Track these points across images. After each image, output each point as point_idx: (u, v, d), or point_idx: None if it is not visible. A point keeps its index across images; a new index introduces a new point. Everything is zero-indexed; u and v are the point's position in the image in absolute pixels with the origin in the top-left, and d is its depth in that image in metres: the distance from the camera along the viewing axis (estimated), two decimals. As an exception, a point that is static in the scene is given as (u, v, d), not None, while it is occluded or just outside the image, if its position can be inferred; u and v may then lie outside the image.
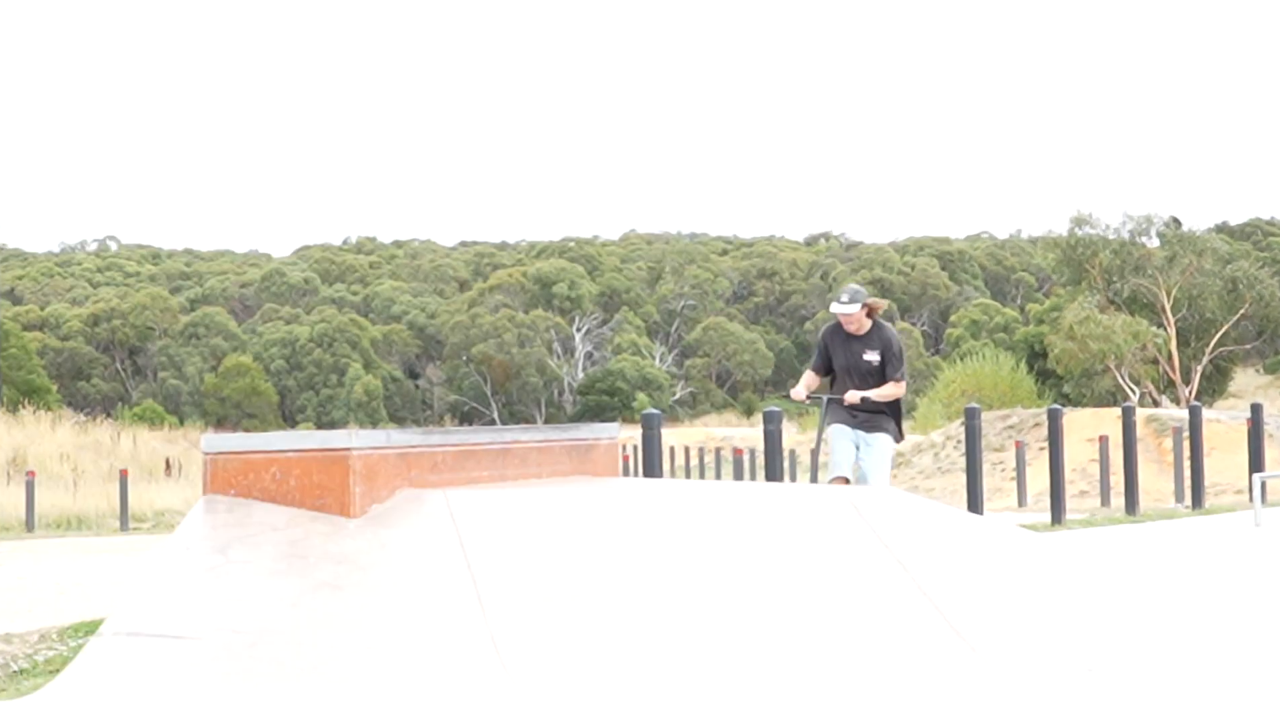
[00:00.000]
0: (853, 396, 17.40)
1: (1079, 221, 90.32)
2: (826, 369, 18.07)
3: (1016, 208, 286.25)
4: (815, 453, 18.93)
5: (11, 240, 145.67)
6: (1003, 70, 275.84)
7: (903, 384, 17.88)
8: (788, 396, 19.55)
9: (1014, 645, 11.97)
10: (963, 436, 35.34)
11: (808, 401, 18.28)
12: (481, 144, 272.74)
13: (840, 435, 17.67)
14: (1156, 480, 47.00)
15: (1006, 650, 11.85)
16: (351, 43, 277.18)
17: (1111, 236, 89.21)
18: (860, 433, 17.69)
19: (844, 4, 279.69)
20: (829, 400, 17.82)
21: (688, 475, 69.76)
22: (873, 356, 17.57)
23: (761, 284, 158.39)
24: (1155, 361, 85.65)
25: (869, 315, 17.66)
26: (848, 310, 17.42)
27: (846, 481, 17.10)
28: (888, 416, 17.95)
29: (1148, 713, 9.71)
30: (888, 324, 18.09)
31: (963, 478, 32.69)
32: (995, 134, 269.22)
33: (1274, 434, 51.49)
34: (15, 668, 12.24)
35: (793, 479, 58.64)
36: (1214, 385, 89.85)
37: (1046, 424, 31.85)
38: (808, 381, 18.00)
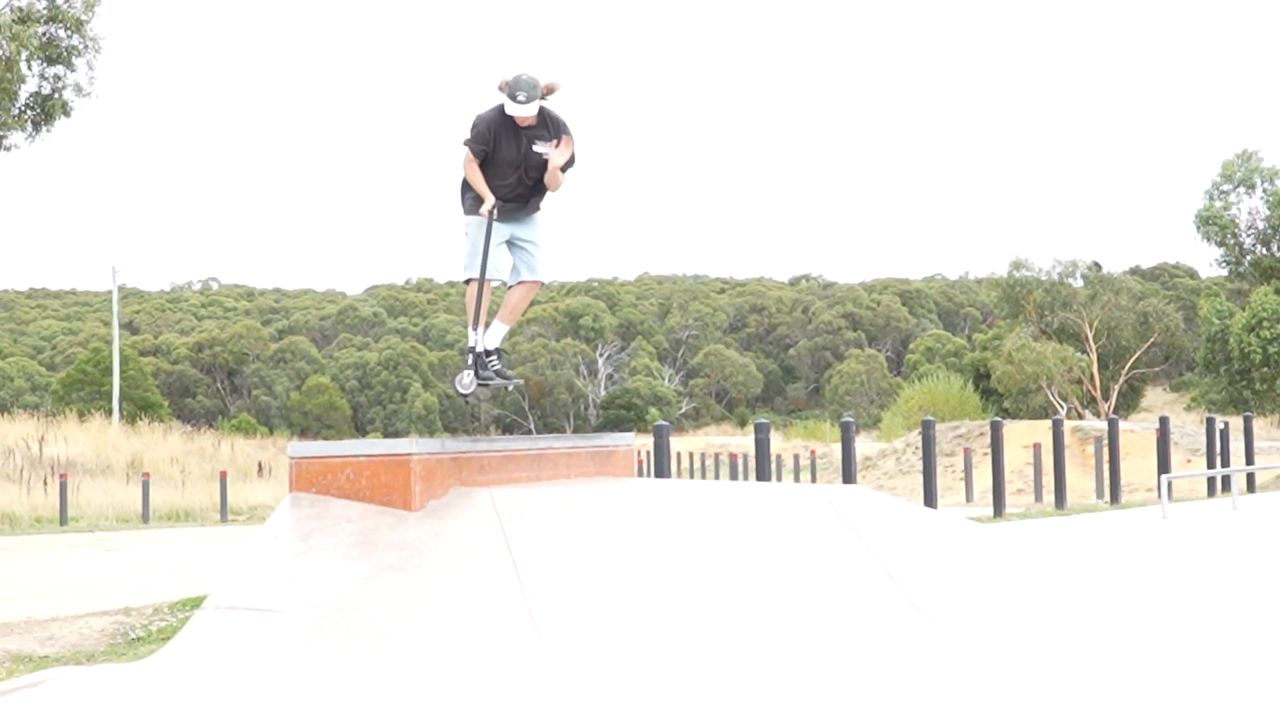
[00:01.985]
0: (556, 170, 13.36)
1: (1016, 265, 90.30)
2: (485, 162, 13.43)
3: (965, 253, 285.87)
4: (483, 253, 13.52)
5: (130, 281, 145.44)
6: (954, 141, 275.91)
7: (571, 143, 13.50)
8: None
9: (963, 617, 11.93)
10: (920, 444, 35.39)
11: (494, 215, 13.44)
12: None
13: (496, 231, 13.58)
14: (1081, 480, 46.90)
15: (957, 621, 11.82)
16: (404, 115, 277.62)
17: (1043, 278, 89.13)
18: (512, 225, 13.80)
19: (824, 87, 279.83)
20: (501, 204, 13.45)
21: (692, 476, 69.70)
22: (544, 149, 13.37)
23: (753, 317, 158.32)
24: (1080, 382, 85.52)
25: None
26: (527, 112, 13.08)
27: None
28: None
29: (1074, 669, 9.68)
30: (552, 112, 13.55)
31: (920, 478, 32.68)
32: (947, 192, 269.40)
33: (1179, 441, 51.40)
34: (134, 636, 12.21)
35: (779, 479, 58.54)
36: (1129, 401, 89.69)
37: (989, 434, 31.83)
38: (479, 173, 13.42)
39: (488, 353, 14.10)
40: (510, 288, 14.16)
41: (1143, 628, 11.91)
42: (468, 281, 13.82)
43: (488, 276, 13.62)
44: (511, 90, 13.09)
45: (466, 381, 13.71)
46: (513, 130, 13.36)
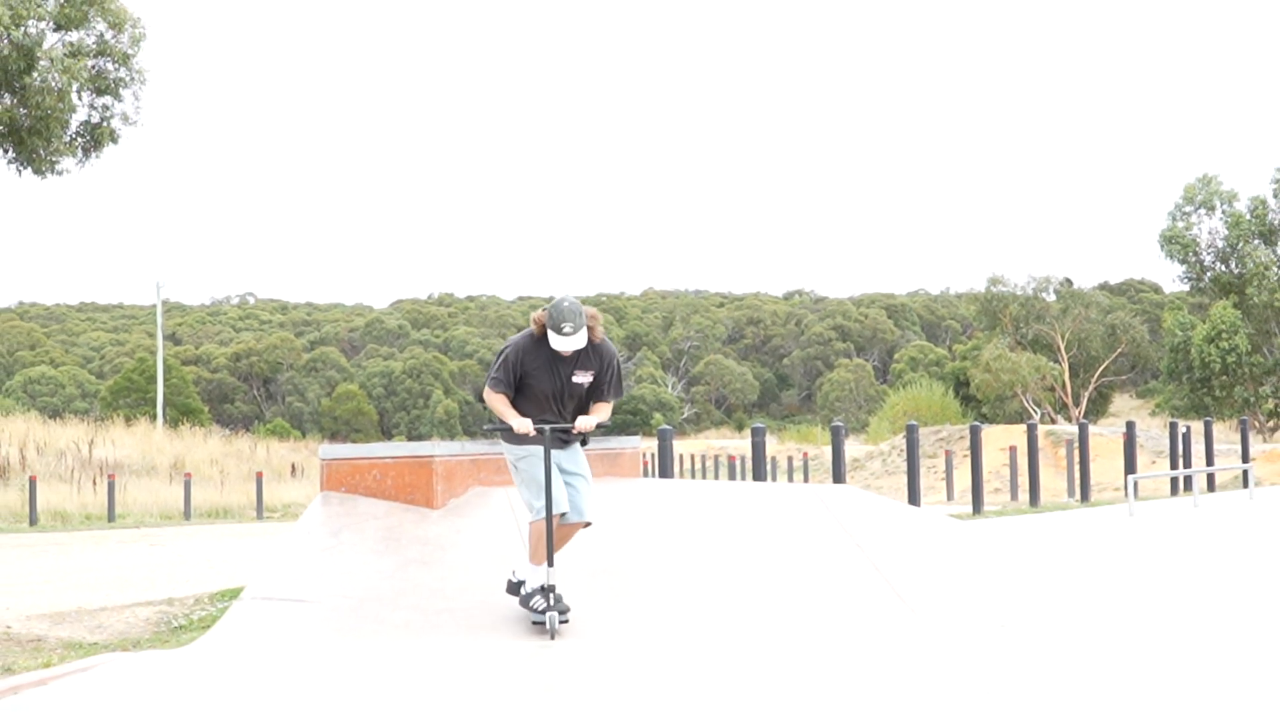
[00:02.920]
0: (586, 423, 11.46)
1: (994, 281, 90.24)
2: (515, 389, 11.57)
3: (946, 270, 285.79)
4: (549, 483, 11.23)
5: (173, 295, 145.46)
6: (936, 166, 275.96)
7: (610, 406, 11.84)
8: (549, 429, 11.38)
9: (945, 607, 11.93)
10: (904, 447, 35.32)
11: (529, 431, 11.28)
12: (534, 221, 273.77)
13: (539, 463, 11.37)
14: (1054, 480, 46.86)
15: (939, 611, 11.81)
16: (427, 142, 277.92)
17: (1019, 293, 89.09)
18: (565, 453, 11.66)
19: (817, 117, 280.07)
20: (553, 430, 11.39)
21: (693, 476, 69.65)
22: (583, 379, 11.51)
23: (749, 329, 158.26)
24: (1052, 389, 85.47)
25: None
26: (574, 345, 11.23)
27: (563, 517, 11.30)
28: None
29: (1048, 655, 9.68)
30: (603, 341, 11.67)
31: (904, 478, 32.63)
32: (930, 213, 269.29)
33: (1144, 444, 51.39)
34: (176, 624, 12.21)
35: (774, 479, 58.53)
36: (1098, 407, 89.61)
37: (969, 437, 31.78)
38: (508, 406, 11.50)
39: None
40: (566, 524, 11.38)
41: (1111, 616, 11.91)
42: (532, 521, 11.36)
43: (555, 512, 11.20)
44: (556, 321, 11.11)
45: (558, 623, 10.92)
46: (548, 359, 11.38)
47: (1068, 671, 9.13)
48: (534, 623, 11.08)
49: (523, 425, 11.22)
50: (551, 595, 10.99)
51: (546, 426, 11.35)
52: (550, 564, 11.01)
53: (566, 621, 11.07)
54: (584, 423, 11.50)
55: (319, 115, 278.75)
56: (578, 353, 11.34)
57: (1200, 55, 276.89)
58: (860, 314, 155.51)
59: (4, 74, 34.95)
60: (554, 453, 11.46)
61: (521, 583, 11.39)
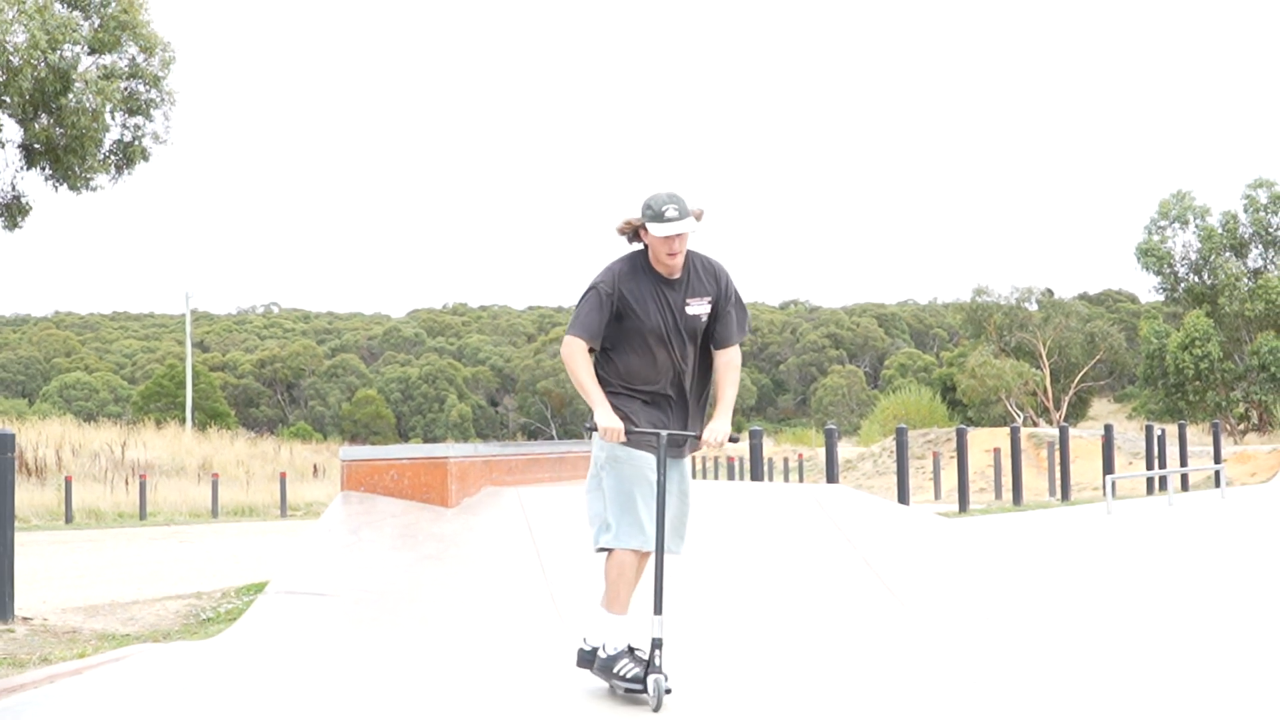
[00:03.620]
0: (717, 433, 8.14)
1: (979, 291, 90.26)
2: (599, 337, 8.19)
3: (934, 281, 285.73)
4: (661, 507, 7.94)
5: (201, 305, 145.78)
6: (924, 182, 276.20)
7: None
8: (621, 433, 7.87)
9: (933, 600, 11.93)
10: (894, 448, 35.31)
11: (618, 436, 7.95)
12: (543, 235, 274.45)
13: (642, 469, 8.08)
14: (1035, 480, 46.83)
15: (927, 604, 11.81)
16: (444, 158, 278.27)
17: (1002, 302, 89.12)
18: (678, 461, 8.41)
19: (810, 137, 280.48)
20: (669, 437, 8.12)
21: (694, 476, 69.58)
22: (701, 309, 8.24)
23: (748, 337, 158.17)
24: (1034, 394, 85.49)
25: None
26: (683, 228, 8.02)
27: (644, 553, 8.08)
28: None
29: (1031, 644, 9.68)
30: (709, 259, 8.46)
31: (894, 478, 32.65)
32: (919, 226, 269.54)
33: (1121, 446, 51.37)
34: (204, 616, 12.21)
35: (771, 479, 58.53)
36: (1077, 411, 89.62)
37: (955, 439, 31.79)
38: (590, 370, 8.13)
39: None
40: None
41: (1091, 609, 11.91)
42: (603, 549, 8.25)
43: (633, 547, 8.06)
44: (655, 209, 8.06)
45: (664, 688, 7.79)
46: (653, 284, 8.19)
47: (1049, 661, 9.13)
48: (626, 691, 7.97)
49: (608, 421, 7.94)
50: (656, 654, 7.78)
51: (663, 432, 8.08)
52: (658, 610, 7.81)
53: (670, 691, 7.98)
54: (716, 432, 8.18)
55: (340, 135, 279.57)
56: (688, 275, 8.22)
57: (1174, 78, 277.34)
58: (852, 323, 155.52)
59: (41, 95, 34.96)
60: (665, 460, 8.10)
61: (596, 649, 8.26)
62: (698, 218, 8.21)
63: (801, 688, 8.34)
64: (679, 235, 8.08)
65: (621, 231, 8.34)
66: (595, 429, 8.02)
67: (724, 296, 8.34)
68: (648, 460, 8.10)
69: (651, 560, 8.10)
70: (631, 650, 8.10)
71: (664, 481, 8.01)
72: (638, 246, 8.36)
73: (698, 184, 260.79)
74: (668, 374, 8.23)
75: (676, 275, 8.25)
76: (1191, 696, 7.85)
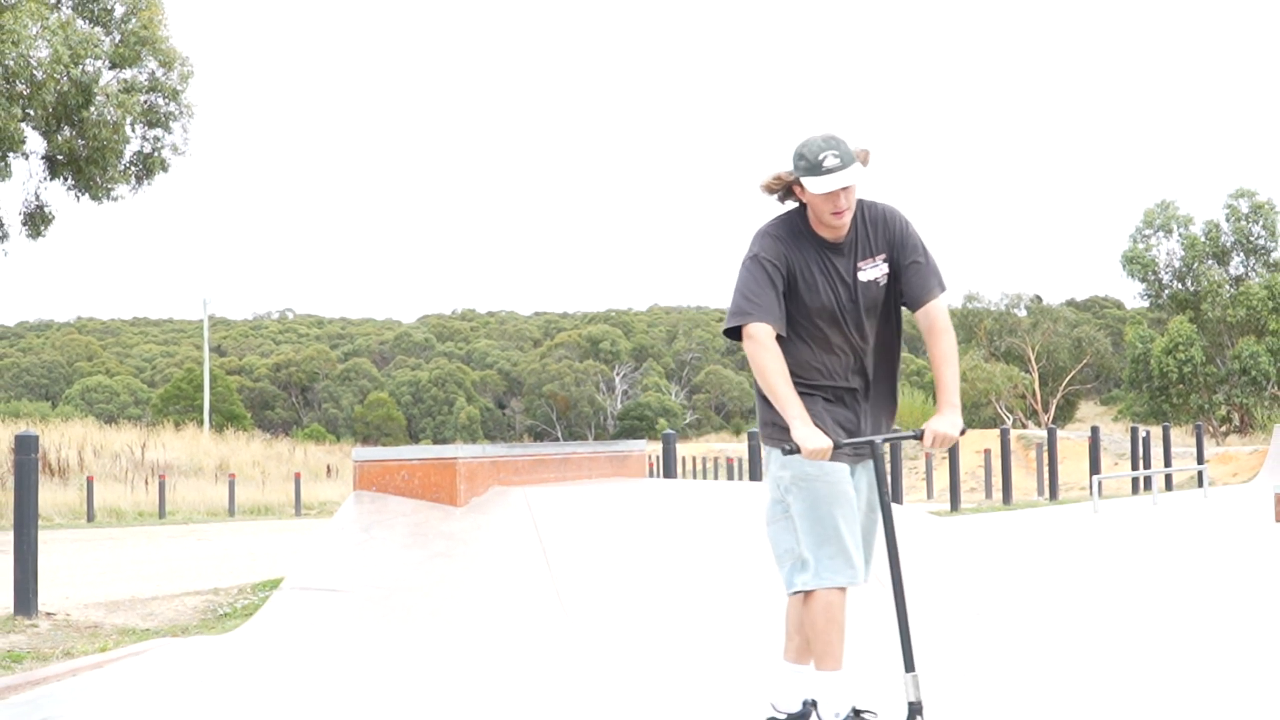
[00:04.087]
0: (947, 430, 6.20)
1: (970, 298, 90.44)
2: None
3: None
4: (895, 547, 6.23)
5: (218, 311, 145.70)
6: (914, 192, 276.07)
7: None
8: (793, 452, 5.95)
9: (925, 596, 11.94)
10: (888, 449, 35.23)
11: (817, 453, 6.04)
12: (549, 243, 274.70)
13: (838, 480, 6.33)
14: (1025, 480, 46.88)
15: (919, 599, 11.82)
16: (449, 171, 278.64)
17: (993, 308, 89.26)
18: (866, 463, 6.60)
19: (805, 135, 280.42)
20: (882, 442, 6.36)
21: (694, 477, 69.66)
22: (876, 272, 6.47)
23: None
24: (1024, 397, 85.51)
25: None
26: (847, 179, 6.19)
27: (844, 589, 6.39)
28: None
29: (1021, 636, 9.69)
30: (882, 205, 6.65)
31: (888, 479, 32.52)
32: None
33: (1107, 447, 51.40)
34: (221, 612, 12.23)
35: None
36: (1065, 413, 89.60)
37: (947, 440, 31.75)
38: (790, 381, 6.17)
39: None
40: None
41: (1078, 603, 11.93)
42: (800, 593, 6.45)
43: (841, 584, 6.32)
44: (809, 159, 6.20)
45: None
46: (817, 249, 6.39)
47: (1039, 654, 9.15)
48: None
49: (813, 439, 6.02)
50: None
51: (878, 438, 6.34)
52: (910, 666, 6.15)
53: None
54: (945, 429, 6.22)
55: (352, 147, 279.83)
56: (855, 233, 6.42)
57: (1159, 91, 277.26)
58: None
59: (64, 108, 34.97)
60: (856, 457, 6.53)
61: (795, 716, 6.70)
62: (864, 161, 6.31)
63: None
64: (844, 189, 6.17)
65: (769, 189, 6.43)
66: (794, 450, 6.03)
67: (901, 246, 6.47)
68: (842, 473, 6.28)
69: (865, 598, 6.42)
70: (858, 714, 6.44)
71: (888, 501, 6.17)
72: (790, 206, 6.49)
73: (696, 195, 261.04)
74: (848, 362, 6.40)
75: (843, 237, 6.36)
76: (1177, 690, 7.86)
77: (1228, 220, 72.21)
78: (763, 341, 6.18)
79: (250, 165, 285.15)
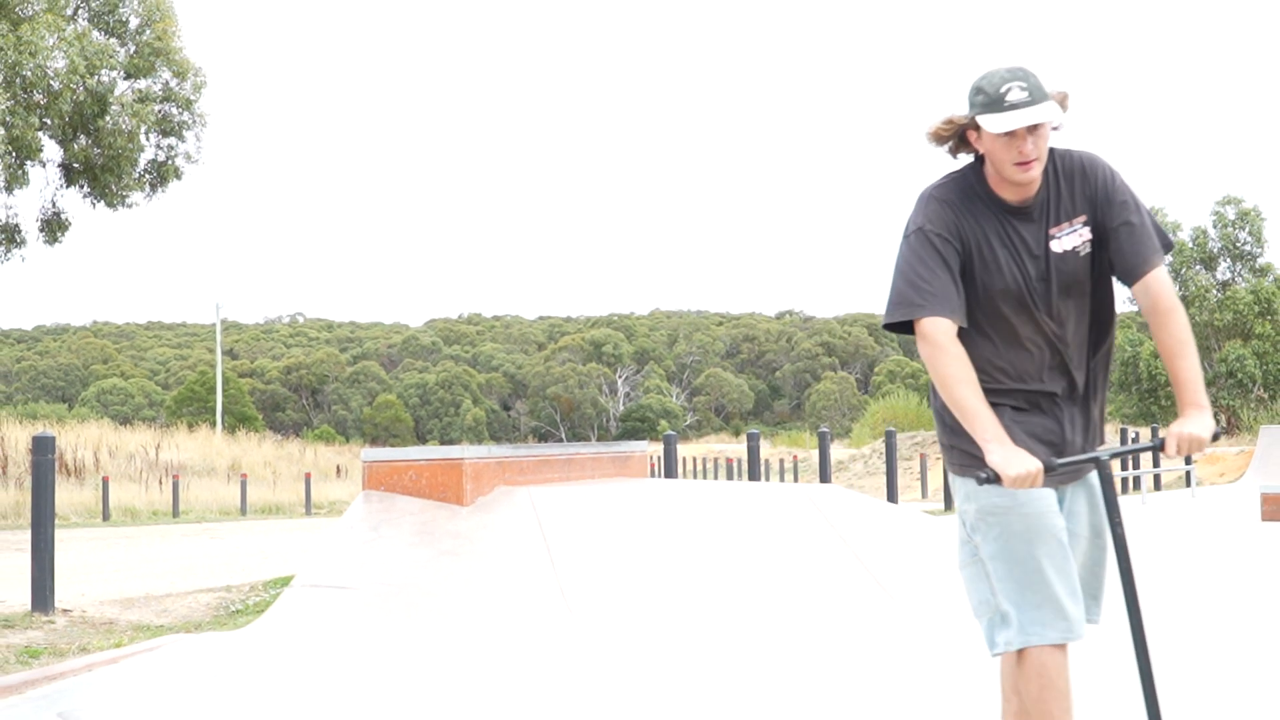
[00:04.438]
0: (1192, 432, 4.62)
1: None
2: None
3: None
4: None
5: (231, 315, 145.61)
6: (911, 197, 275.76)
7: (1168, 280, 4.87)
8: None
9: (920, 593, 11.93)
10: (884, 450, 35.31)
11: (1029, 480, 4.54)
12: (553, 248, 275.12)
13: (1049, 535, 4.88)
14: (1017, 480, 46.80)
15: (914, 597, 11.82)
16: (455, 177, 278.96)
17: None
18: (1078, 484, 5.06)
19: (805, 157, 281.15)
20: (1110, 459, 4.81)
21: (695, 477, 69.66)
22: (1076, 240, 4.79)
23: (745, 345, 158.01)
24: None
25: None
26: (1037, 116, 4.56)
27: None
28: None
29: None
30: (1076, 151, 4.95)
31: (884, 479, 32.63)
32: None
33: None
34: (234, 608, 12.23)
35: (767, 480, 58.52)
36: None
37: (941, 441, 31.73)
38: (980, 391, 4.65)
39: None
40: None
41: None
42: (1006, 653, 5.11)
43: (1054, 640, 5.08)
44: (989, 93, 4.70)
45: None
46: (998, 216, 4.87)
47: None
48: None
49: (1016, 464, 4.54)
50: None
51: (1103, 453, 4.85)
52: None
53: None
54: (1196, 428, 4.68)
55: (361, 155, 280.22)
56: (1046, 192, 4.86)
57: (1147, 101, 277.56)
58: (844, 332, 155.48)
59: (80, 118, 35.00)
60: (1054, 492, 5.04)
61: None
62: (1061, 104, 4.75)
63: (795, 674, 8.35)
64: (1033, 131, 4.65)
65: (938, 136, 5.02)
66: (991, 478, 4.57)
67: (1107, 204, 4.87)
68: (1044, 501, 4.86)
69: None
70: None
71: (1121, 530, 4.88)
72: (964, 161, 5.02)
73: (699, 202, 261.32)
74: (1042, 358, 4.87)
75: (1030, 196, 4.83)
76: (1167, 685, 7.86)
77: (1215, 227, 72.13)
78: (941, 342, 4.71)
79: (262, 173, 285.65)
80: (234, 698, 8.11)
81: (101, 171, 36.38)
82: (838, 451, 72.62)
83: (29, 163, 35.40)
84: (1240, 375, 67.54)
